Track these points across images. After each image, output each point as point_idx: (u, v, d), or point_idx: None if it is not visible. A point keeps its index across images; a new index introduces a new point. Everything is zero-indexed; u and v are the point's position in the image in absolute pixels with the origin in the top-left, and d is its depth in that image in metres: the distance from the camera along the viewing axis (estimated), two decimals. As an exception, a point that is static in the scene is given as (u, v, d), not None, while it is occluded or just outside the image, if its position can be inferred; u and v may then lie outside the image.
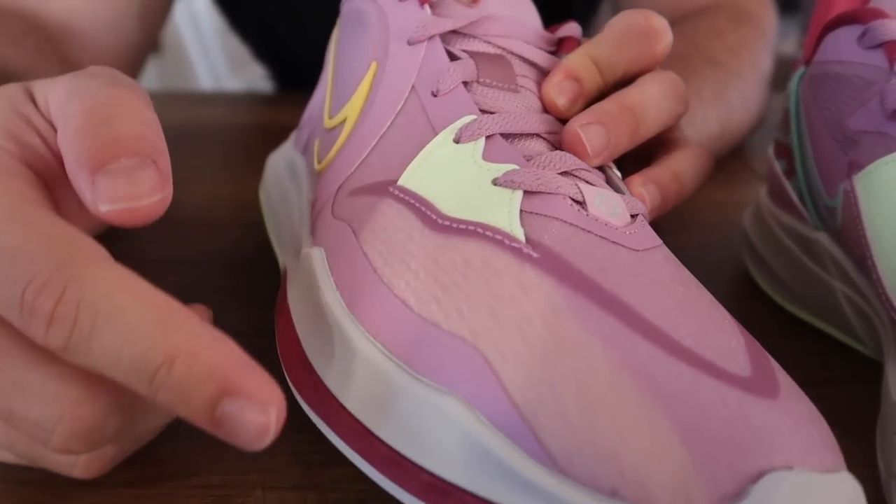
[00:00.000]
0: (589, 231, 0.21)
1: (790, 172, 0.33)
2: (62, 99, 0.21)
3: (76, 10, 0.47)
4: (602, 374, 0.17)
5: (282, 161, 0.34)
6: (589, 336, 0.18)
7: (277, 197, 0.32)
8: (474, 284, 0.20)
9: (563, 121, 0.26)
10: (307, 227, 0.26)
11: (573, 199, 0.22)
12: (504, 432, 0.17)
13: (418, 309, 0.20)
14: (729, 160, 0.51)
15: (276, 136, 0.39)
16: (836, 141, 0.28)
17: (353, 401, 0.19)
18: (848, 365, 0.30)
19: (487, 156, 0.23)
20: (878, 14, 0.28)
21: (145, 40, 0.54)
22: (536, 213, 0.21)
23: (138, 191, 0.18)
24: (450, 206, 0.22)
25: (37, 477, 0.22)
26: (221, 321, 0.30)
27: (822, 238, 0.31)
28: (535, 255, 0.20)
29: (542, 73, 0.27)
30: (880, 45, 0.27)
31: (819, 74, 0.31)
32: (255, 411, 0.16)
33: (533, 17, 0.28)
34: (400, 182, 0.23)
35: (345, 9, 0.29)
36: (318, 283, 0.22)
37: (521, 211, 0.21)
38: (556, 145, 0.25)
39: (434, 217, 0.21)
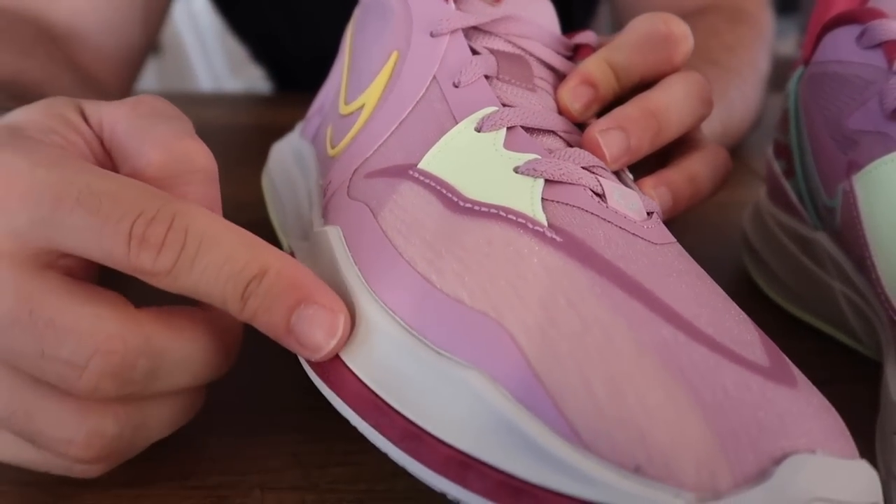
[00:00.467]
0: (609, 221, 0.21)
1: (789, 172, 0.33)
2: (127, 132, 0.22)
3: (81, 11, 0.47)
4: (627, 353, 0.18)
5: (287, 148, 0.35)
6: (613, 317, 0.18)
7: (282, 182, 0.33)
8: (497, 264, 0.20)
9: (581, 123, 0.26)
10: (318, 210, 0.26)
11: (593, 192, 0.22)
12: (527, 406, 0.17)
13: (440, 285, 0.20)
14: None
15: (275, 136, 0.39)
16: (835, 141, 0.28)
17: (371, 373, 0.19)
18: (847, 365, 0.30)
19: (509, 145, 0.23)
20: (877, 14, 0.28)
21: (146, 41, 0.54)
22: (558, 202, 0.22)
23: None
24: (471, 189, 0.22)
25: (37, 478, 0.22)
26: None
27: (821, 238, 0.31)
28: (558, 238, 0.20)
29: (558, 77, 0.27)
30: (879, 45, 0.27)
31: (818, 74, 0.31)
32: (326, 317, 0.19)
33: (552, 21, 0.28)
34: (420, 165, 0.23)
35: (365, 0, 0.30)
36: (335, 259, 0.22)
37: (542, 199, 0.21)
38: (573, 144, 0.25)
39: (455, 199, 0.22)
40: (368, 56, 0.28)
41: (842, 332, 0.31)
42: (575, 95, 0.26)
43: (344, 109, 0.28)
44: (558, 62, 0.27)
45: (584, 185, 0.22)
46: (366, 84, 0.27)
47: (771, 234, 0.35)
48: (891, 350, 0.25)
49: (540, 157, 0.22)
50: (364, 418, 0.20)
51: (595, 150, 0.24)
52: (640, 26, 0.28)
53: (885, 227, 0.25)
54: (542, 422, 0.17)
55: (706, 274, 0.22)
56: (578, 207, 0.22)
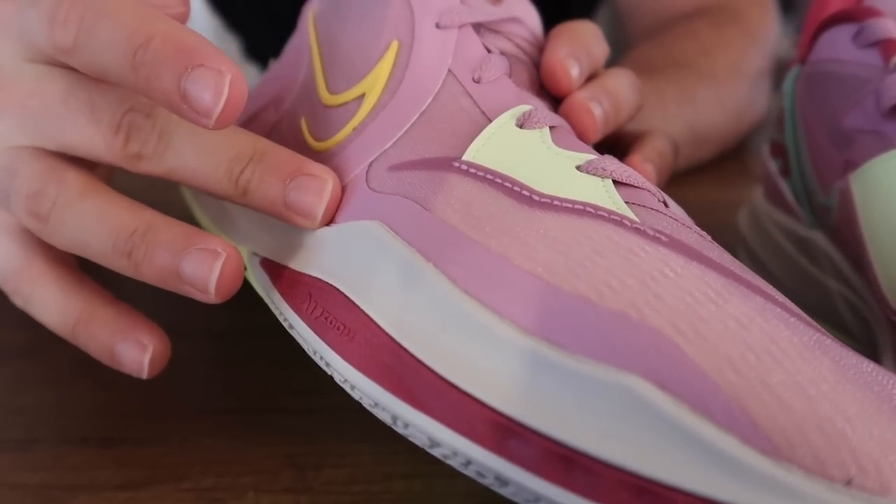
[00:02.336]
0: (687, 226, 0.20)
1: (785, 171, 0.33)
2: None
3: None
4: (795, 354, 0.16)
5: None
6: (764, 317, 0.17)
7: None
8: (613, 260, 0.18)
9: None
10: None
11: (657, 198, 0.21)
12: (711, 417, 0.15)
13: (554, 280, 0.18)
14: (723, 160, 0.51)
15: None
16: (831, 140, 0.28)
17: (496, 393, 0.17)
18: (844, 364, 0.30)
19: (558, 143, 0.22)
20: (873, 12, 0.28)
21: None
22: (635, 203, 0.20)
23: None
24: (540, 184, 0.20)
25: (28, 481, 0.22)
26: (215, 322, 0.30)
27: (818, 237, 0.31)
28: (664, 238, 0.19)
29: (542, 86, 0.27)
30: (875, 44, 0.27)
31: (814, 73, 0.31)
32: (212, 77, 0.19)
33: (540, 29, 0.28)
34: (466, 158, 0.22)
35: None
36: (390, 258, 0.20)
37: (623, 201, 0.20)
38: None
39: (527, 194, 0.20)
40: (356, 44, 0.26)
41: (838, 331, 0.31)
42: (572, 63, 0.25)
43: (330, 100, 0.26)
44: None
45: (649, 191, 0.21)
46: (361, 73, 0.26)
47: (767, 234, 0.35)
48: (887, 349, 0.25)
49: (596, 156, 0.21)
50: (485, 445, 0.17)
51: (584, 116, 0.24)
52: (577, 26, 0.28)
53: (882, 225, 0.25)
54: (732, 434, 0.15)
55: None
56: (655, 210, 0.20)
